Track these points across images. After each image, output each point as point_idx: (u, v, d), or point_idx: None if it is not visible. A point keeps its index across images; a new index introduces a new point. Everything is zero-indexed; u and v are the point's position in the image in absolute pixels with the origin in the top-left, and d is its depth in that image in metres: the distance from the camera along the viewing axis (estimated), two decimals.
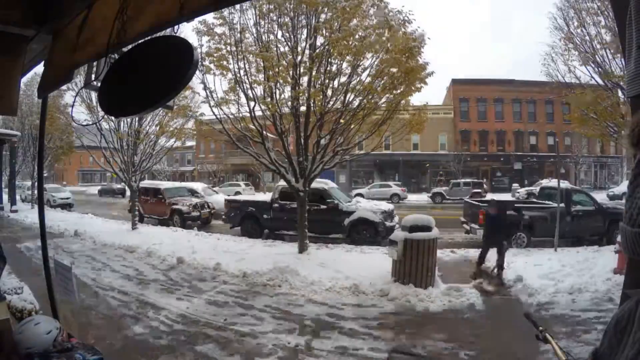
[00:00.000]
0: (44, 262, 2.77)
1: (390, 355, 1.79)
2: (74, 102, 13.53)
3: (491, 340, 4.24)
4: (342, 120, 7.96)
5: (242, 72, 7.54)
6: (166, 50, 1.26)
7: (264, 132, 7.98)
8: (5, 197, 17.63)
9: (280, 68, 7.32)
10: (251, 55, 7.54)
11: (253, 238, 10.41)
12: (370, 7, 7.44)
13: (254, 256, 7.91)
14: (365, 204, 10.58)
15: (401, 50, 7.18)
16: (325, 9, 7.21)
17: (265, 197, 13.12)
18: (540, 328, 1.45)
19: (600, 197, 14.62)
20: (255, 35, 7.62)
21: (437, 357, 3.88)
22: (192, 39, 7.41)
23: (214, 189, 21.19)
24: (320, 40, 7.53)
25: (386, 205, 10.74)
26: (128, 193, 14.56)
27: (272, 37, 7.63)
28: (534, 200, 11.91)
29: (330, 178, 26.93)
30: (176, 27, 1.37)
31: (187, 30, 8.99)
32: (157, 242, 9.23)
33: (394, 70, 7.46)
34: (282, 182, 9.58)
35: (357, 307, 5.26)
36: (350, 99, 7.82)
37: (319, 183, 9.69)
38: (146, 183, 15.07)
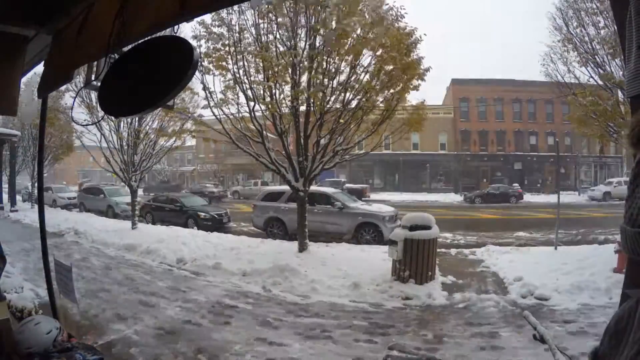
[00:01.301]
0: (44, 262, 2.77)
1: (387, 354, 1.78)
2: (74, 102, 13.50)
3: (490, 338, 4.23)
4: (341, 120, 7.96)
5: (241, 72, 7.54)
6: (166, 50, 1.26)
7: (264, 132, 7.99)
8: (5, 196, 17.60)
9: (279, 68, 7.31)
10: (250, 56, 7.53)
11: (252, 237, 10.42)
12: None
13: (254, 255, 7.92)
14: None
15: (396, 46, 7.18)
16: (323, 7, 7.17)
17: None
18: (538, 328, 1.45)
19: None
20: (254, 35, 7.61)
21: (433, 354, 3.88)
22: (190, 40, 7.37)
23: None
24: (319, 40, 7.52)
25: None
26: None
27: (271, 37, 7.62)
28: None
29: (330, 178, 26.89)
30: (176, 27, 1.37)
31: (185, 32, 8.97)
32: (157, 240, 9.22)
33: (390, 67, 7.44)
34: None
35: (357, 305, 5.25)
36: (349, 98, 7.82)
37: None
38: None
